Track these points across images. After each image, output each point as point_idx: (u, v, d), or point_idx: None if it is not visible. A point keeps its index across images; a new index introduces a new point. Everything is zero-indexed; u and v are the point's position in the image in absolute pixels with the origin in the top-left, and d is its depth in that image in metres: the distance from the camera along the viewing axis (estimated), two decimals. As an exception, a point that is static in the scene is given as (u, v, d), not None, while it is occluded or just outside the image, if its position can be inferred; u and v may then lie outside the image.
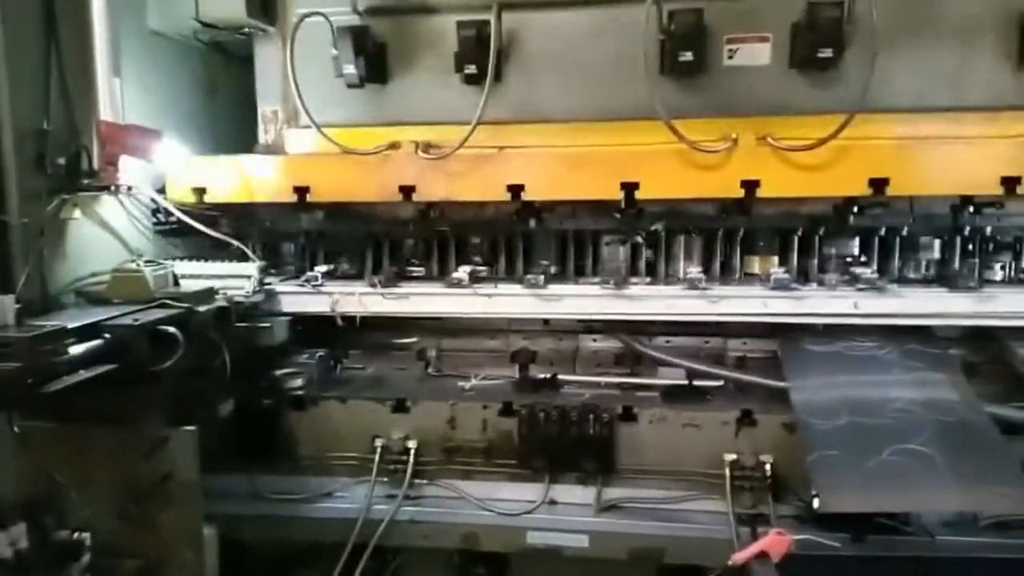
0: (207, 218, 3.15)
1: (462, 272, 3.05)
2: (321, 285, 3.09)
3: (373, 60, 3.14)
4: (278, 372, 3.08)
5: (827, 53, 2.78)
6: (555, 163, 2.96)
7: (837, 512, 2.31)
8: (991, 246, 3.03)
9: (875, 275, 2.82)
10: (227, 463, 2.90)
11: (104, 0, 2.81)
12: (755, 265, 3.14)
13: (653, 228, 3.10)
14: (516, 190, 2.95)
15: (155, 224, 3.12)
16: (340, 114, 3.18)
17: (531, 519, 2.74)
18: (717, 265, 3.16)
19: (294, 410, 3.02)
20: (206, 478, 2.40)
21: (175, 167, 3.17)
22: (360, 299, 3.07)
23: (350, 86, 3.13)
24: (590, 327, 3.32)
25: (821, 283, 2.90)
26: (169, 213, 3.08)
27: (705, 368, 3.02)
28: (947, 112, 2.85)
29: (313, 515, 2.87)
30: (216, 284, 2.88)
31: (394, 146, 3.05)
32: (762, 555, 2.17)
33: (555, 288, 3.01)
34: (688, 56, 2.85)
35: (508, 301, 3.03)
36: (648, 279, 3.11)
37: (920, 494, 2.31)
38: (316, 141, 3.11)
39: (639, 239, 3.13)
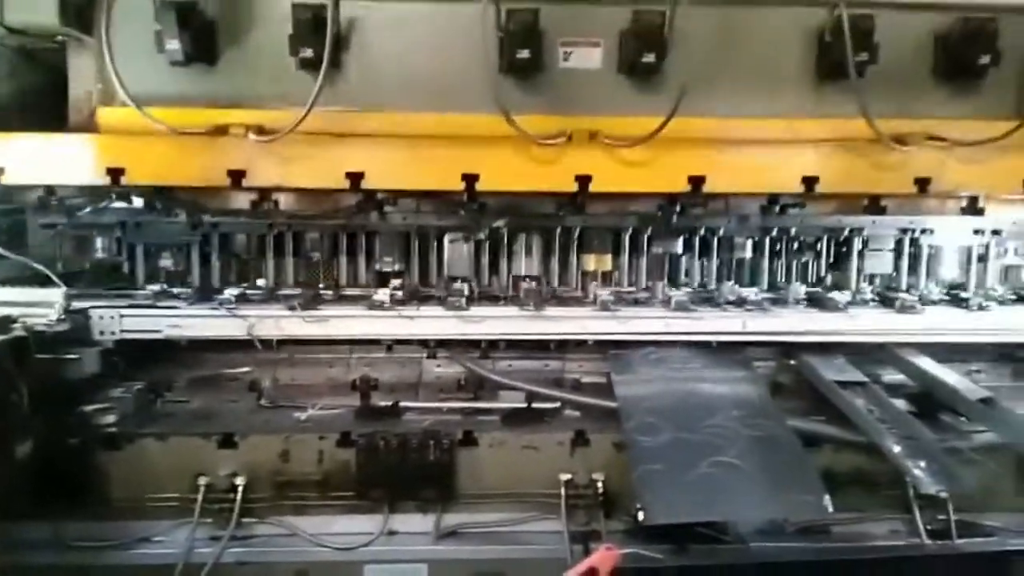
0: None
1: (383, 294, 3.03)
2: (236, 308, 2.93)
3: (200, 37, 3.01)
4: (88, 408, 2.82)
5: (650, 59, 2.99)
6: (396, 151, 2.97)
7: (660, 524, 2.42)
8: (796, 245, 3.41)
9: (761, 296, 3.13)
10: (26, 509, 2.60)
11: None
12: (591, 263, 3.33)
13: (495, 225, 3.18)
14: (356, 178, 2.91)
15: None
16: (163, 93, 3.00)
17: (368, 551, 2.65)
18: (556, 262, 3.35)
19: (106, 449, 2.76)
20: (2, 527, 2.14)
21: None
22: (278, 322, 2.96)
23: (174, 64, 2.97)
24: (433, 353, 3.33)
25: (716, 304, 3.18)
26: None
27: (543, 390, 3.10)
28: (757, 119, 3.14)
29: (128, 563, 2.62)
30: (14, 312, 2.61)
31: (222, 129, 2.92)
32: (591, 571, 2.24)
33: (477, 310, 3.06)
34: (525, 55, 2.96)
35: (430, 323, 3.04)
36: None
37: (733, 503, 2.48)
38: (134, 122, 2.90)
39: (482, 236, 3.19)
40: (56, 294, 2.74)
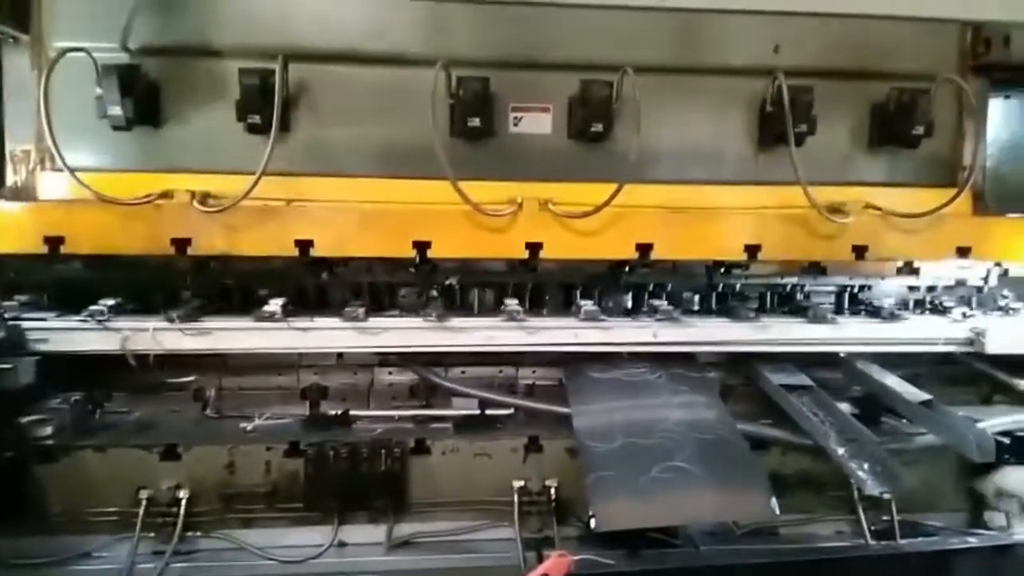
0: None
1: (274, 305, 2.87)
2: (107, 320, 2.76)
3: (145, 102, 2.96)
4: (23, 419, 2.70)
5: (599, 127, 3.07)
6: (346, 219, 2.92)
7: (613, 530, 2.43)
8: (740, 301, 3.43)
9: (671, 308, 3.11)
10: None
11: None
12: None
13: (447, 283, 3.17)
14: (305, 245, 2.86)
15: None
16: (105, 158, 2.97)
17: (317, 564, 2.61)
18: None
19: (43, 462, 2.66)
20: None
21: None
22: (155, 335, 2.78)
23: (116, 128, 2.89)
24: (385, 359, 3.28)
25: (627, 313, 3.18)
26: None
27: (496, 397, 3.09)
28: (703, 185, 3.24)
29: (67, 579, 2.53)
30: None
31: (167, 195, 2.83)
32: (544, 578, 2.24)
33: (376, 321, 2.93)
34: (476, 122, 3.01)
35: (326, 335, 2.88)
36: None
37: (684, 508, 2.50)
38: (75, 187, 2.80)
39: (434, 293, 3.17)
40: (-13, 302, 2.63)
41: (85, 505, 2.67)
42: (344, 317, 2.89)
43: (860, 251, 3.13)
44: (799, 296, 3.50)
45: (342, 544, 2.69)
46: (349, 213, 2.93)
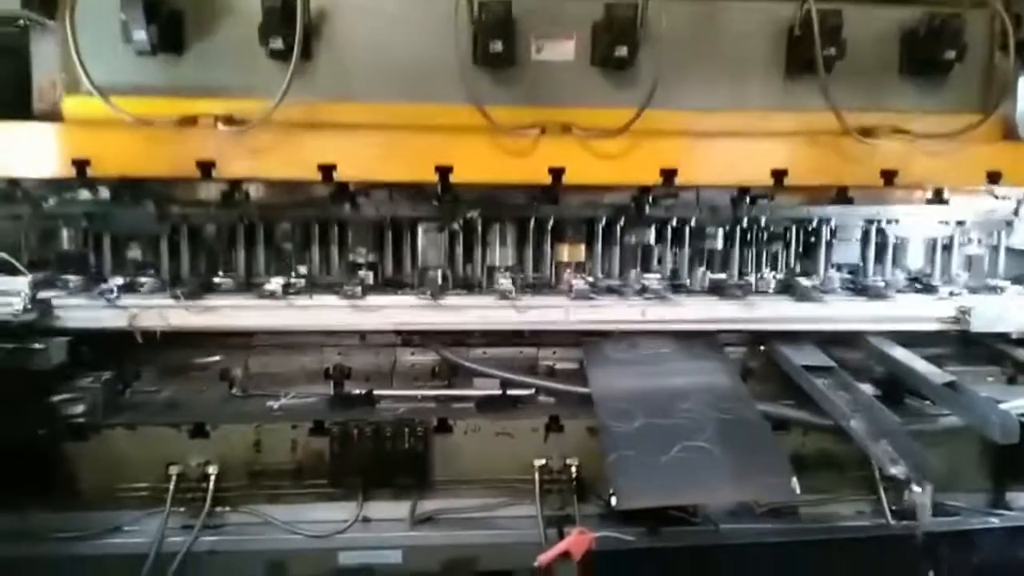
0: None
1: (275, 283, 2.92)
2: (117, 298, 2.82)
3: (168, 28, 2.95)
4: (55, 398, 2.77)
5: (623, 52, 2.98)
6: (369, 142, 2.93)
7: (633, 508, 2.45)
8: (765, 235, 3.43)
9: (662, 284, 3.12)
10: (-7, 501, 2.57)
11: None
12: (564, 253, 3.33)
13: (469, 216, 3.17)
14: (328, 169, 2.88)
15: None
16: (130, 83, 2.94)
17: (342, 539, 2.66)
18: (530, 253, 3.32)
19: (74, 440, 2.73)
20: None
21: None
22: (161, 313, 2.85)
23: (140, 54, 2.92)
24: (408, 340, 3.32)
25: (619, 293, 3.15)
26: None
27: (517, 377, 3.11)
28: (728, 112, 3.16)
29: (99, 552, 2.60)
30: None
31: (190, 119, 2.88)
32: (565, 554, 2.26)
33: (373, 299, 2.98)
34: (498, 47, 2.94)
35: (324, 313, 2.94)
36: (464, 290, 3.16)
37: (704, 487, 2.51)
38: (101, 111, 2.82)
39: (456, 227, 3.18)
40: (20, 282, 2.69)
41: (116, 481, 2.74)
42: (342, 295, 2.93)
43: (889, 176, 3.08)
44: (825, 232, 3.45)
45: (366, 520, 2.74)
46: (371, 136, 2.94)
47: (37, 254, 3.17)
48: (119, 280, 2.92)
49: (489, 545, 2.69)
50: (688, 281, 3.34)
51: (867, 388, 3.05)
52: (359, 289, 2.95)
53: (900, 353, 3.19)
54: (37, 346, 2.68)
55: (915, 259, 3.66)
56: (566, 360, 3.31)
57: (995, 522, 2.85)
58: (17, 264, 2.80)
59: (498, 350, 3.32)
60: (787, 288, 3.31)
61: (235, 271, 3.23)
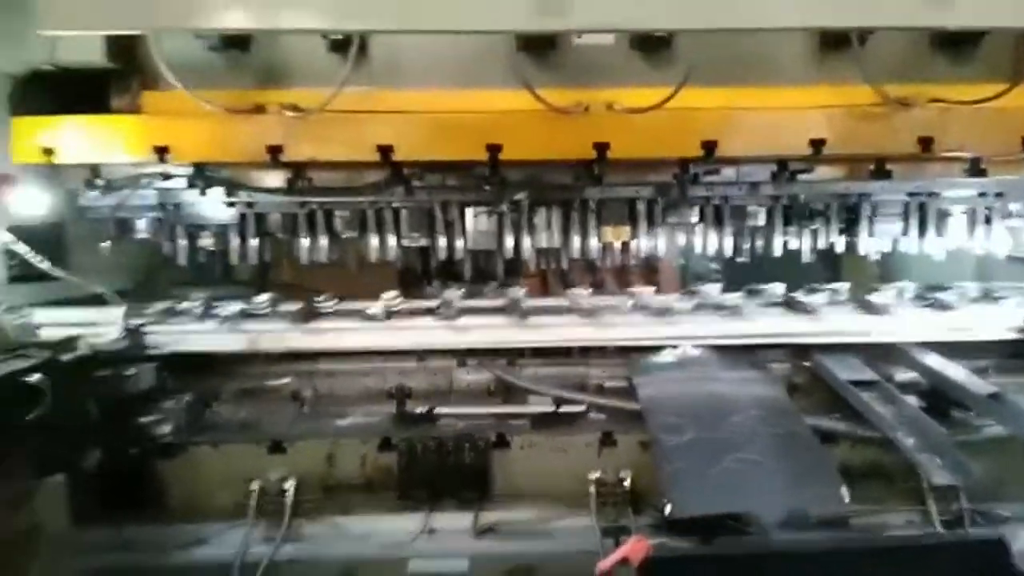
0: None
1: (376, 308, 3.23)
2: (238, 323, 3.15)
3: None
4: (145, 419, 3.00)
5: (660, 34, 3.15)
6: (423, 125, 3.18)
7: (686, 516, 2.57)
8: (807, 211, 3.54)
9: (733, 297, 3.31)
10: (93, 516, 2.78)
11: (-44, 45, 2.72)
12: (608, 234, 3.47)
13: (516, 198, 3.35)
14: (386, 150, 3.09)
15: (10, 270, 2.99)
16: (202, 78, 3.20)
17: (412, 548, 2.81)
18: (575, 234, 3.52)
19: (163, 458, 2.95)
20: (72, 532, 2.32)
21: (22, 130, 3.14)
22: (279, 336, 3.21)
23: (211, 50, 3.19)
24: (463, 361, 3.49)
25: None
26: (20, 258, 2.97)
27: (570, 395, 3.25)
28: (765, 88, 3.30)
29: (187, 562, 2.78)
30: (78, 331, 2.80)
31: (260, 108, 3.14)
32: (623, 561, 2.39)
33: (464, 320, 3.26)
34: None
35: (421, 333, 3.24)
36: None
37: (755, 496, 2.62)
38: (176, 105, 3.12)
39: (504, 209, 3.35)
40: (115, 313, 2.93)
41: (201, 496, 2.94)
42: (437, 316, 3.18)
43: (926, 143, 3.17)
44: (866, 208, 3.54)
45: (432, 530, 2.89)
46: (427, 119, 3.17)
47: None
48: (235, 306, 3.26)
49: (549, 553, 2.81)
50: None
51: (911, 400, 3.14)
52: (454, 311, 3.21)
53: (943, 364, 3.26)
54: (129, 372, 2.92)
55: (956, 233, 3.72)
56: (616, 377, 3.44)
57: (1042, 530, 2.89)
58: (108, 295, 3.05)
59: (548, 369, 3.47)
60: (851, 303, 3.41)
61: (296, 257, 3.51)
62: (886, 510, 2.97)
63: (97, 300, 3.16)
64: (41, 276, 3.06)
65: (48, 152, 3.11)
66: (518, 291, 3.48)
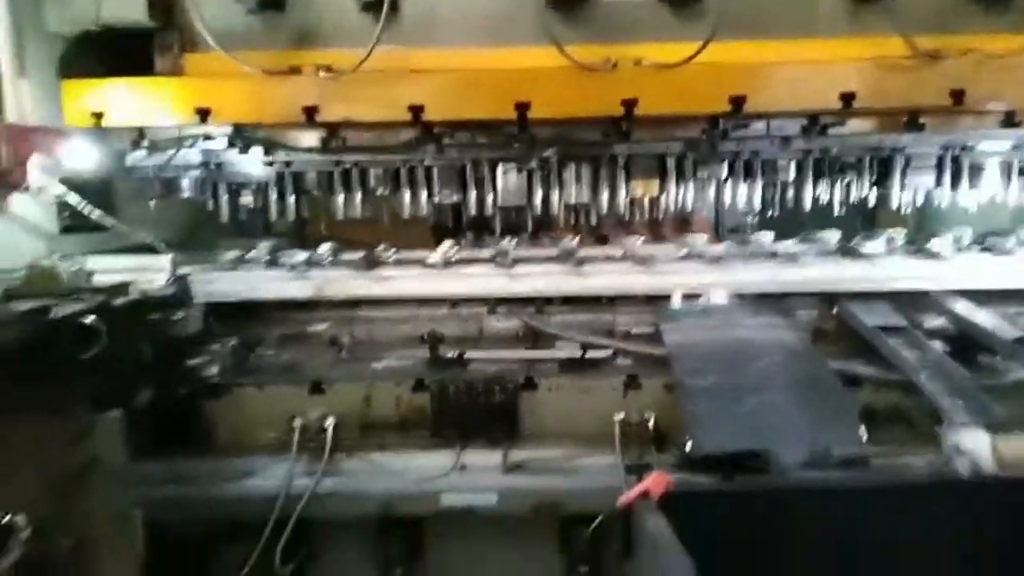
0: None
1: (435, 257, 3.42)
2: (306, 271, 3.35)
3: None
4: (193, 361, 3.18)
5: None
6: (453, 84, 3.25)
7: (707, 453, 2.65)
8: (838, 166, 3.53)
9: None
10: (147, 451, 2.97)
11: (5, 4, 2.84)
12: (638, 188, 3.55)
13: (545, 155, 3.42)
14: (416, 110, 3.19)
15: (63, 220, 3.16)
16: (238, 40, 3.31)
17: (444, 483, 2.95)
18: (604, 190, 3.58)
19: (211, 398, 3.13)
20: (128, 465, 2.51)
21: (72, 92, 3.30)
22: (344, 283, 3.41)
23: (248, 12, 3.29)
24: (493, 308, 3.60)
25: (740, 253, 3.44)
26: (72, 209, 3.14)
27: (596, 340, 3.34)
28: (794, 41, 3.28)
29: (236, 494, 2.96)
30: (130, 277, 2.96)
31: (295, 69, 3.24)
32: (644, 495, 2.49)
33: (520, 268, 3.44)
34: None
35: (479, 281, 3.42)
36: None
37: (776, 434, 2.69)
38: (216, 66, 3.24)
39: (533, 166, 3.43)
40: (164, 260, 3.09)
41: (246, 434, 3.12)
42: (495, 265, 3.34)
43: (958, 95, 3.13)
44: (898, 162, 3.52)
45: (464, 467, 3.02)
46: (456, 77, 3.24)
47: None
48: (301, 255, 3.45)
49: (574, 490, 2.93)
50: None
51: (937, 345, 3.16)
52: (509, 259, 3.36)
53: (970, 310, 3.26)
54: (177, 316, 3.09)
55: (989, 185, 3.69)
56: (643, 323, 3.51)
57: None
58: (158, 245, 3.21)
59: (577, 316, 3.56)
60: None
61: (332, 214, 3.70)
62: (907, 452, 3.02)
63: (145, 250, 3.32)
64: (92, 227, 3.23)
65: (98, 116, 3.25)
66: (571, 241, 3.56)
